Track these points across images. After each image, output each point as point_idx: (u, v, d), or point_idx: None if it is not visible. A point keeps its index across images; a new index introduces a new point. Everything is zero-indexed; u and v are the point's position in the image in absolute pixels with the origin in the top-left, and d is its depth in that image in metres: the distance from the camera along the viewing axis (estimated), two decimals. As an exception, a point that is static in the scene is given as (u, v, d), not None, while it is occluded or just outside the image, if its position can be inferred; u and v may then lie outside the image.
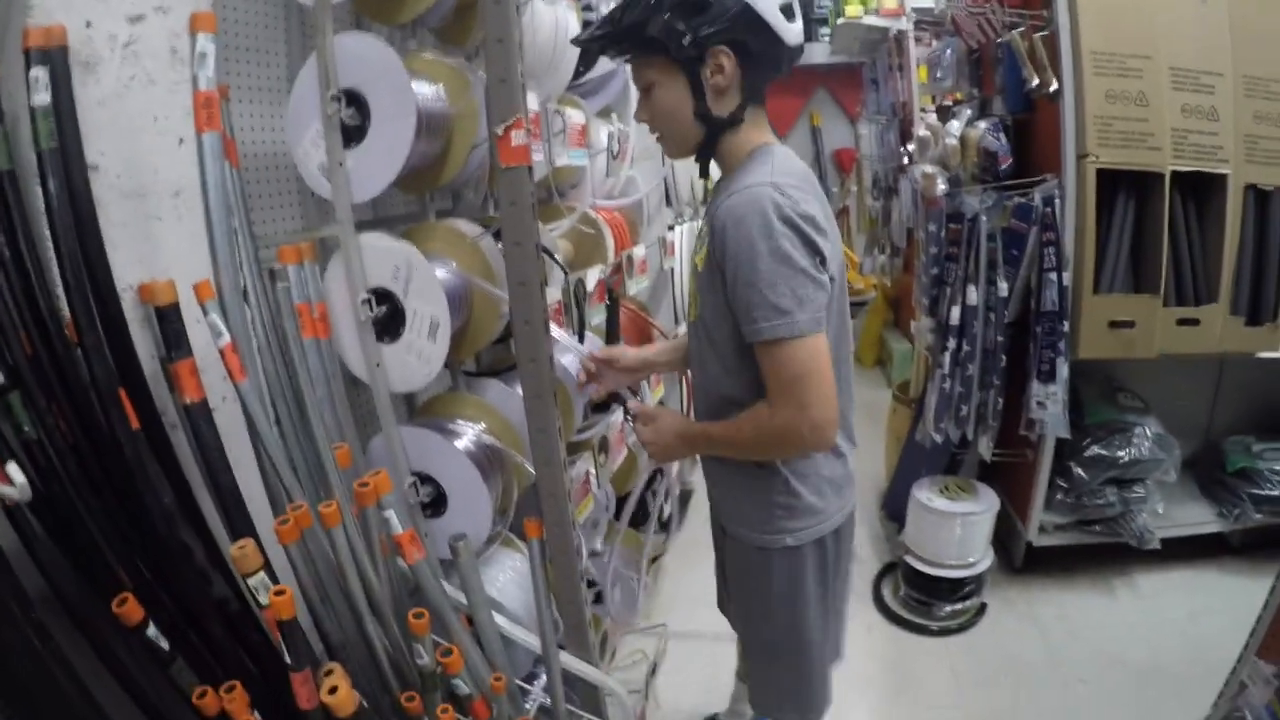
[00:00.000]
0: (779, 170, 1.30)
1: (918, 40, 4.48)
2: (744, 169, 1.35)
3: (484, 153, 1.66)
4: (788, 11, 1.31)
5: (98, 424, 1.27)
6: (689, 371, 1.64)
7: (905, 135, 4.61)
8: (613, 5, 1.77)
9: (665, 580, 3.21)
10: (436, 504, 1.76)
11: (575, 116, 1.94)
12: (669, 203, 3.12)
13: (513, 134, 1.30)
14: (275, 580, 1.30)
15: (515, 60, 1.33)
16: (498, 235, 1.69)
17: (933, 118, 3.34)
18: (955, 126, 2.93)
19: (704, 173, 1.47)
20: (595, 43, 1.40)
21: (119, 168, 1.37)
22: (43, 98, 1.20)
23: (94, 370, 1.24)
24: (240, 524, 1.42)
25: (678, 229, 3.15)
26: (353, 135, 1.48)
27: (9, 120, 1.24)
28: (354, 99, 1.49)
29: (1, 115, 1.23)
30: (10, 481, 1.07)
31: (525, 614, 1.87)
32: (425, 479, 1.72)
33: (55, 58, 1.24)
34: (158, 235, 1.41)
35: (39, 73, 1.21)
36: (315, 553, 1.42)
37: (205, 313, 1.29)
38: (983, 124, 2.83)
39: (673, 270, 3.15)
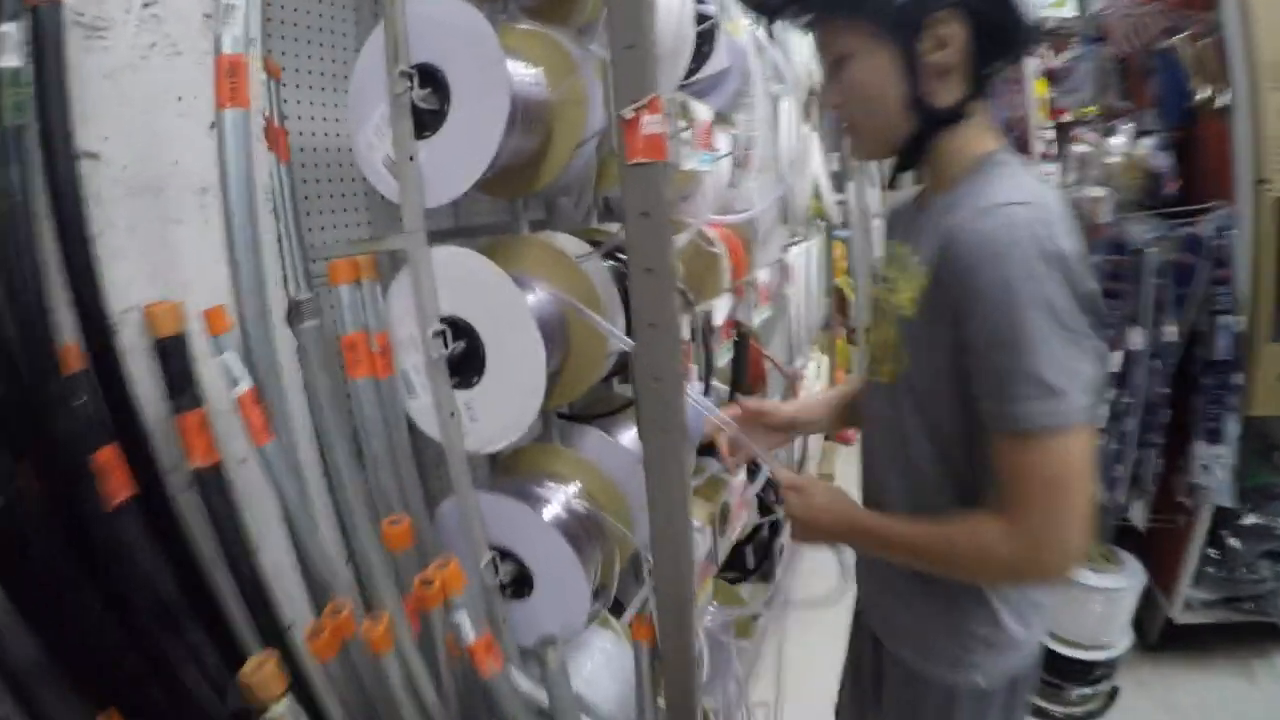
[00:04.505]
0: (1030, 191, 0.86)
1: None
2: (975, 183, 0.91)
3: (590, 152, 1.26)
4: None
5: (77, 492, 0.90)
6: (860, 445, 1.19)
7: (1021, 151, 4.09)
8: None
9: (768, 645, 2.70)
10: (519, 582, 1.34)
11: (701, 112, 1.51)
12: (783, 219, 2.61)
13: (645, 119, 0.88)
14: (311, 702, 0.90)
15: (648, 19, 0.91)
16: (610, 255, 1.28)
17: (1091, 134, 2.80)
18: (1117, 144, 2.42)
19: (892, 183, 1.04)
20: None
21: (127, 157, 1.00)
22: (9, 60, 0.83)
23: (63, 422, 0.85)
24: (265, 622, 1.03)
25: (796, 250, 2.65)
26: (428, 123, 1.08)
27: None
28: (430, 77, 1.09)
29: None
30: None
31: (618, 711, 1.44)
32: (506, 553, 1.31)
33: (44, 15, 0.87)
34: (177, 243, 1.04)
35: (9, 29, 0.84)
36: (362, 668, 1.02)
37: (219, 350, 0.90)
38: (1147, 141, 2.32)
39: (789, 299, 2.63)
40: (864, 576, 1.22)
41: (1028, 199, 0.85)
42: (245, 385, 0.90)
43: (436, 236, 1.16)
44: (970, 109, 0.95)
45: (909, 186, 1.14)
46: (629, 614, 1.60)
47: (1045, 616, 1.08)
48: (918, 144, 0.96)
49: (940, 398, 0.93)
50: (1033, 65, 3.89)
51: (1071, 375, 0.81)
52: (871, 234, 3.91)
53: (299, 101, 1.31)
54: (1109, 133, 2.51)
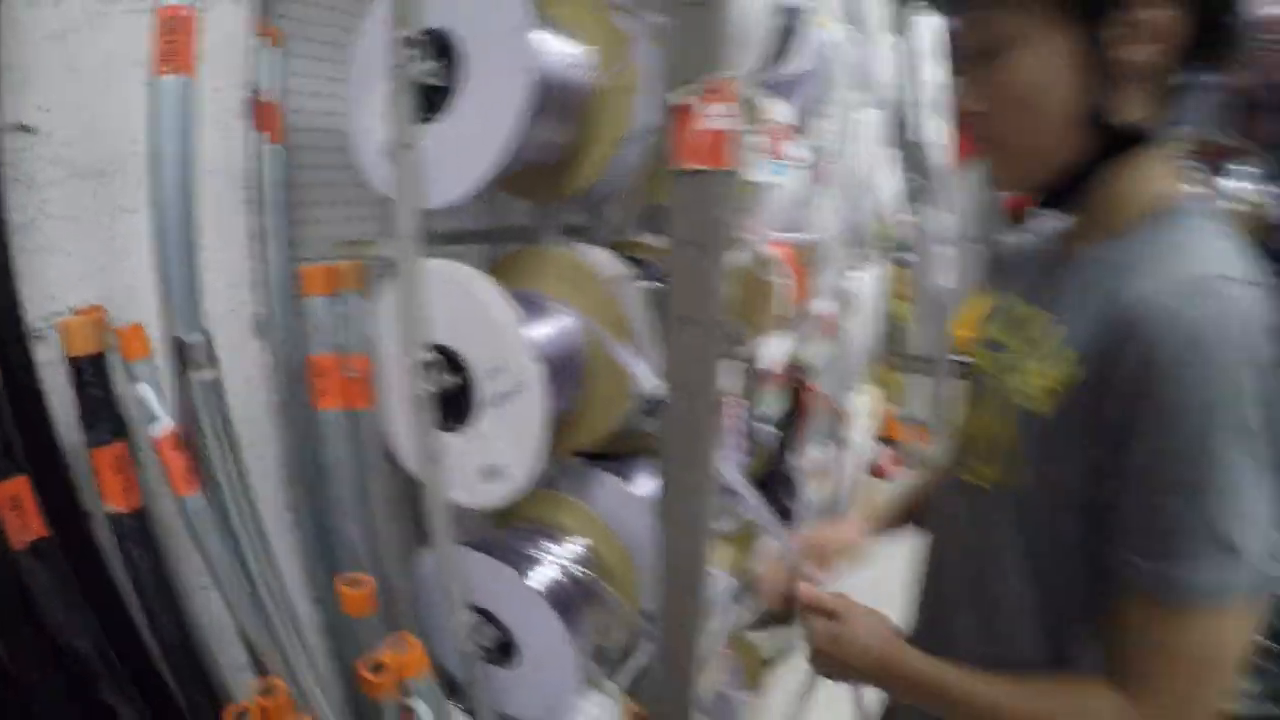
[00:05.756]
0: (1236, 261, 0.60)
1: None
2: (1157, 238, 0.63)
3: (639, 151, 1.02)
4: None
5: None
6: (924, 557, 0.90)
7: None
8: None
9: (779, 695, 2.36)
10: (503, 648, 1.12)
11: (774, 111, 1.24)
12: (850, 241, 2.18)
13: (702, 108, 0.64)
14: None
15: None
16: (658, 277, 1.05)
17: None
18: (1232, 188, 2.09)
19: (1017, 220, 0.80)
20: None
21: (71, 132, 0.82)
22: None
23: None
24: (194, 693, 0.83)
25: (859, 275, 2.18)
26: (436, 103, 0.86)
27: None
28: (444, 48, 0.87)
29: None
30: None
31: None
32: (490, 616, 1.09)
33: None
34: (125, 236, 0.84)
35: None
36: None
37: (132, 379, 0.69)
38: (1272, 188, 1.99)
39: (849, 331, 2.11)
40: None
41: (1237, 272, 0.58)
42: (164, 425, 0.69)
43: (441, 240, 0.94)
44: (1155, 132, 0.67)
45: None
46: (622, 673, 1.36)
47: None
48: (1080, 173, 0.69)
49: (1059, 527, 0.66)
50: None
51: (1255, 529, 0.56)
52: (941, 262, 3.59)
53: (301, 73, 1.10)
54: (1215, 173, 2.16)
